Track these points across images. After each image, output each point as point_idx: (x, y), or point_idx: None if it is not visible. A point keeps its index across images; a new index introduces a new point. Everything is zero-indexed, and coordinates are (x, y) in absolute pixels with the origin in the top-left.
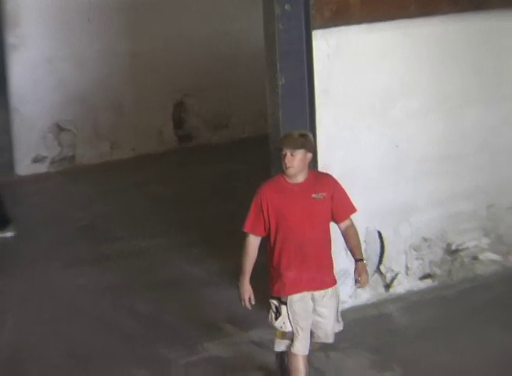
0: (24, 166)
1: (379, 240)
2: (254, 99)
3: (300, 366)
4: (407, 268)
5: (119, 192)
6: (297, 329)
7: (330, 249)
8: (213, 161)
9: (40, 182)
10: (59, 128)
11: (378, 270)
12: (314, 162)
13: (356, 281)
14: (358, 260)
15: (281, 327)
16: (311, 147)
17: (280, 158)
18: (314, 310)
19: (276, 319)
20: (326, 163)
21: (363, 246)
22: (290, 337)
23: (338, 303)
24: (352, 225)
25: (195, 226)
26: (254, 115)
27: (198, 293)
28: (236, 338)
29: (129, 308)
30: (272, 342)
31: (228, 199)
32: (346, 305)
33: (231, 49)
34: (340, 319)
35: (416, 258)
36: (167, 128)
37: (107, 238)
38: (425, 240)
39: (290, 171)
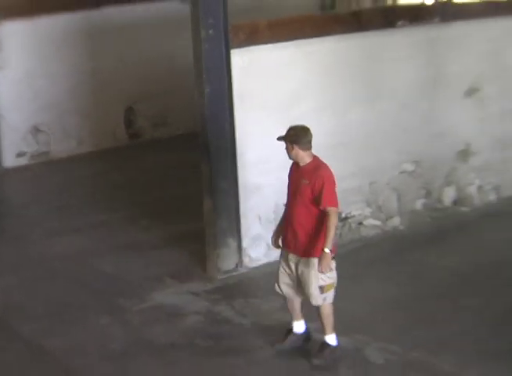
0: (9, 160)
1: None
2: (186, 103)
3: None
4: None
5: (85, 179)
6: (279, 276)
7: (313, 228)
8: (155, 153)
9: (22, 173)
10: (37, 130)
11: None
12: (232, 151)
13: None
14: (321, 249)
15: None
16: (307, 140)
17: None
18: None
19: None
20: (242, 151)
21: (273, 217)
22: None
23: (315, 275)
24: (329, 217)
25: (144, 203)
26: (186, 116)
27: (147, 254)
28: (177, 289)
29: (95, 268)
30: (206, 293)
31: (169, 181)
32: (259, 263)
33: (168, 65)
34: (329, 295)
35: None
36: (120, 128)
37: (77, 214)
38: None
39: (291, 157)
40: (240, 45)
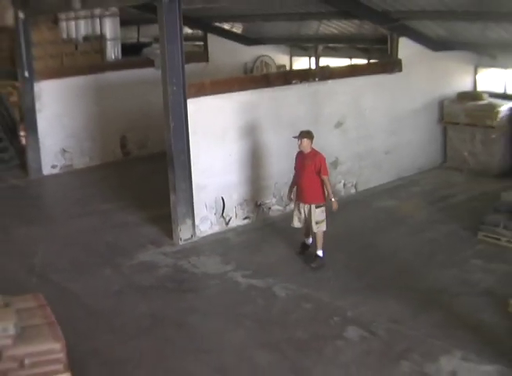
0: (46, 170)
1: (222, 201)
2: (159, 133)
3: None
4: (236, 214)
5: (94, 182)
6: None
7: (314, 187)
8: (140, 165)
9: (54, 178)
10: (64, 151)
11: (222, 216)
12: (188, 163)
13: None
14: (330, 199)
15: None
16: (310, 137)
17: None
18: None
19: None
20: (194, 163)
21: (215, 205)
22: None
23: (315, 213)
24: (326, 180)
25: (131, 197)
26: (159, 141)
27: (135, 230)
28: (154, 251)
29: (101, 238)
30: (172, 253)
31: (149, 182)
32: (206, 234)
33: (147, 109)
34: (322, 226)
35: (241, 209)
36: (117, 148)
37: (89, 204)
38: (245, 200)
39: (301, 148)
40: (193, 96)
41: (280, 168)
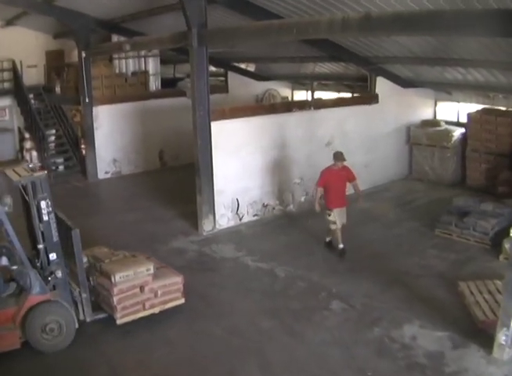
0: (101, 175)
1: (236, 202)
2: (189, 148)
3: (338, 233)
4: (247, 212)
5: (139, 185)
6: (337, 219)
7: (345, 192)
8: (174, 173)
9: (107, 182)
10: (115, 160)
11: (236, 213)
12: (211, 172)
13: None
14: (359, 196)
15: (332, 218)
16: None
17: (337, 162)
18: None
19: (329, 216)
20: (215, 172)
21: (231, 205)
22: (335, 222)
23: (345, 213)
24: (356, 183)
25: (167, 197)
26: (189, 154)
27: (169, 222)
28: (183, 240)
29: (143, 228)
30: (197, 242)
31: (181, 186)
32: (224, 227)
33: (180, 130)
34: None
35: (251, 208)
36: (156, 159)
37: (135, 202)
38: (254, 201)
39: (340, 167)
40: (216, 120)
41: (282, 177)
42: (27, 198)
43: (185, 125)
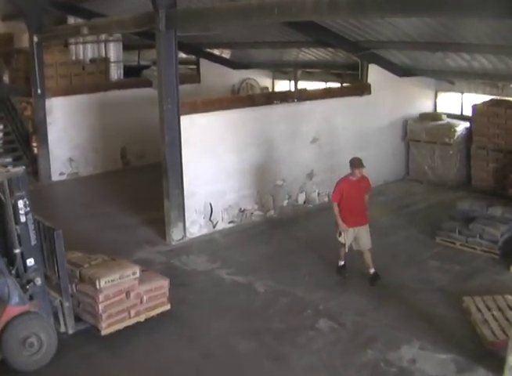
0: (55, 177)
1: (210, 207)
2: (155, 145)
3: (341, 253)
4: (222, 218)
5: (97, 188)
6: (346, 242)
7: (365, 207)
8: (138, 174)
9: (62, 184)
10: (71, 160)
11: (210, 219)
12: (181, 172)
13: None
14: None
15: (342, 240)
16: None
17: (354, 170)
18: (356, 234)
19: (340, 236)
20: (186, 172)
21: (203, 210)
22: (344, 244)
23: (368, 232)
24: (367, 198)
25: (130, 201)
26: (155, 152)
27: (132, 230)
28: (149, 250)
29: (103, 238)
30: (166, 252)
31: (146, 189)
32: (195, 235)
33: (145, 124)
34: (370, 242)
35: (227, 214)
36: (118, 158)
37: (92, 207)
38: (230, 206)
39: (359, 176)
40: (186, 113)
41: (261, 178)
42: (2, 197)
43: (152, 120)
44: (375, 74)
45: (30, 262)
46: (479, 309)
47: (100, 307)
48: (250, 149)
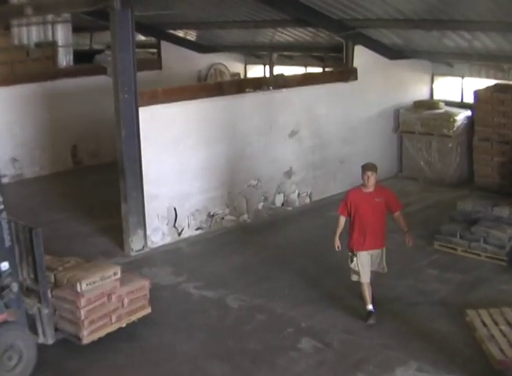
0: None
1: (174, 211)
2: (111, 141)
3: (364, 289)
4: (188, 224)
5: (45, 191)
6: (360, 269)
7: (385, 226)
8: (91, 175)
9: (5, 188)
10: (14, 160)
11: (174, 226)
12: (140, 172)
13: (406, 242)
14: (406, 232)
15: (354, 267)
16: (377, 171)
17: (363, 177)
18: (372, 258)
19: (352, 262)
20: (146, 172)
21: (167, 215)
22: (358, 272)
23: (384, 256)
24: (400, 215)
25: (83, 206)
26: (111, 150)
27: (86, 240)
28: (105, 263)
29: (51, 249)
30: (124, 265)
31: (100, 191)
32: (158, 244)
33: (99, 117)
34: (385, 266)
35: (194, 219)
36: (68, 157)
37: (40, 214)
38: (197, 210)
39: (369, 185)
40: (145, 105)
41: (233, 178)
42: None
43: (107, 112)
44: (362, 57)
45: (5, 266)
46: (485, 324)
47: (82, 313)
48: (219, 144)
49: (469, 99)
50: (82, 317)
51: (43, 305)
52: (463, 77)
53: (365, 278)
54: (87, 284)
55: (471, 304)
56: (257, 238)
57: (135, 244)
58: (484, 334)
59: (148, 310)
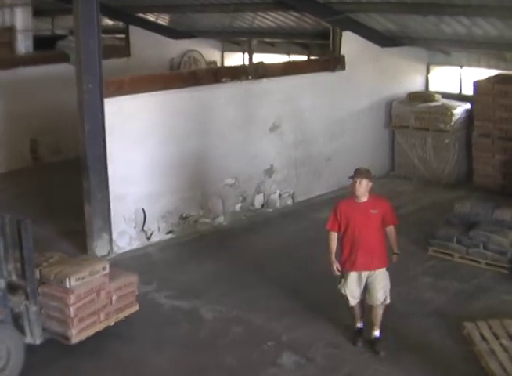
0: None
1: (142, 213)
2: (74, 136)
3: (354, 312)
4: (158, 227)
5: (1, 191)
6: (348, 293)
7: (383, 244)
8: (51, 172)
9: None
10: None
11: (142, 229)
12: (105, 170)
13: (392, 261)
14: (395, 253)
15: (340, 288)
16: (371, 178)
17: (352, 185)
18: (366, 282)
19: (339, 283)
20: (111, 171)
21: (134, 218)
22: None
23: (383, 282)
24: (393, 231)
25: (41, 208)
26: (74, 145)
27: (45, 245)
28: None
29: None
30: None
31: (62, 191)
32: (125, 250)
33: (61, 110)
34: (386, 297)
35: (164, 222)
36: (26, 153)
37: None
38: (168, 212)
39: (358, 193)
40: (111, 96)
41: (207, 176)
42: None
43: (69, 104)
44: (350, 44)
45: None
46: (484, 338)
47: (71, 310)
48: (192, 139)
49: (468, 90)
50: (72, 315)
51: (31, 303)
52: (461, 67)
53: (353, 302)
54: (76, 280)
55: (469, 315)
56: (234, 243)
57: (99, 250)
58: (483, 348)
59: (136, 307)
